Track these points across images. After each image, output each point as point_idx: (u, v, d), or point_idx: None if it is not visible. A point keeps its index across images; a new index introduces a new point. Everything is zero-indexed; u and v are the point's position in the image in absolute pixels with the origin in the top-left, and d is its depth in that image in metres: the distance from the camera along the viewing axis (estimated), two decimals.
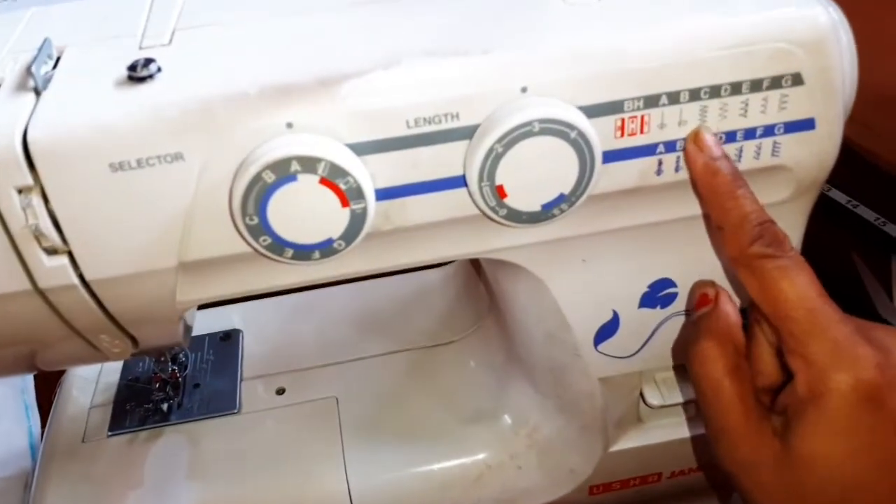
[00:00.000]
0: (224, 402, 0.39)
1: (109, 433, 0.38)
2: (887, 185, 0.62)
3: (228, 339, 0.43)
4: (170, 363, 0.40)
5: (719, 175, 0.25)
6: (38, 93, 0.23)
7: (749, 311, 0.27)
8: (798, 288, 0.24)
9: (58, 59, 0.25)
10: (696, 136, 0.25)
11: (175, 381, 0.40)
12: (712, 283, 0.29)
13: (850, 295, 0.52)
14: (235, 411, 0.39)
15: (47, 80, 0.24)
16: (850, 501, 0.24)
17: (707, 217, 0.28)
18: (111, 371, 0.42)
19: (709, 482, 0.38)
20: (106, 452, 0.38)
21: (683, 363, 0.30)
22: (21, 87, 0.24)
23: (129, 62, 0.24)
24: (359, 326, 0.43)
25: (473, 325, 0.41)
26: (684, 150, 0.26)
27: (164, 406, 0.39)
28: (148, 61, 0.24)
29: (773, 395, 0.26)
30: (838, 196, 0.59)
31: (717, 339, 0.27)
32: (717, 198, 0.25)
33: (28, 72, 0.23)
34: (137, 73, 0.23)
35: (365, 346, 0.42)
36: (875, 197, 0.59)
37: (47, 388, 0.50)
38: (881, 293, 0.51)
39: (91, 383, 0.41)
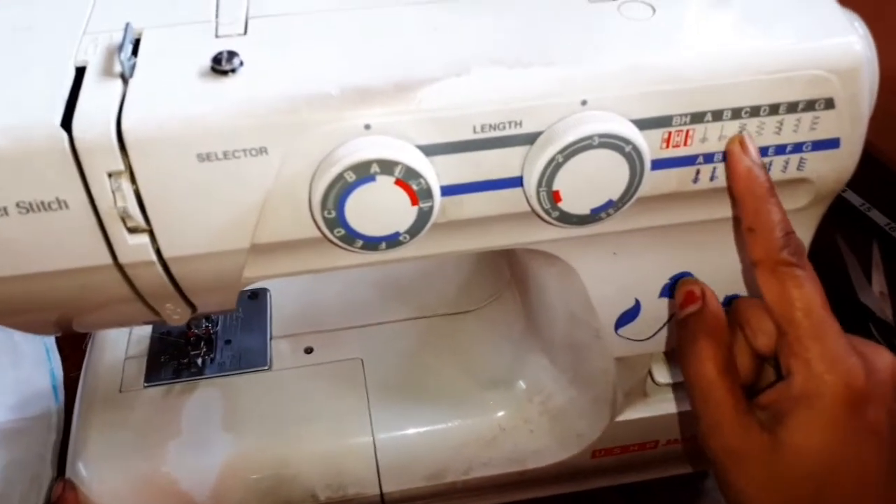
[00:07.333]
0: (255, 359, 0.42)
1: (146, 384, 0.40)
2: (875, 171, 0.65)
3: (256, 298, 0.45)
4: (203, 320, 0.42)
5: (758, 181, 0.27)
6: (125, 80, 0.24)
7: (729, 312, 0.29)
8: (809, 298, 0.26)
9: (136, 42, 0.26)
10: (741, 141, 0.27)
11: (208, 337, 0.42)
12: (696, 282, 0.31)
13: (832, 278, 0.56)
14: (266, 368, 0.41)
15: (132, 67, 0.25)
16: (822, 489, 0.26)
17: (736, 218, 0.30)
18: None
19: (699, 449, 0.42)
20: (143, 402, 0.40)
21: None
22: (107, 72, 0.25)
23: (209, 52, 0.25)
24: (380, 292, 0.45)
25: (491, 296, 0.44)
26: (728, 151, 0.27)
27: (199, 360, 0.41)
28: (231, 55, 0.25)
29: (746, 392, 0.28)
30: None
31: (710, 338, 0.28)
32: (753, 201, 0.27)
33: (115, 58, 0.24)
34: (222, 67, 0.24)
35: (387, 311, 0.44)
36: (862, 183, 0.63)
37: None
38: (862, 278, 0.55)
39: (124, 335, 0.43)
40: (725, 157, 0.28)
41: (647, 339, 0.35)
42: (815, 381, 0.26)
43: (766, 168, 0.28)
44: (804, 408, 0.26)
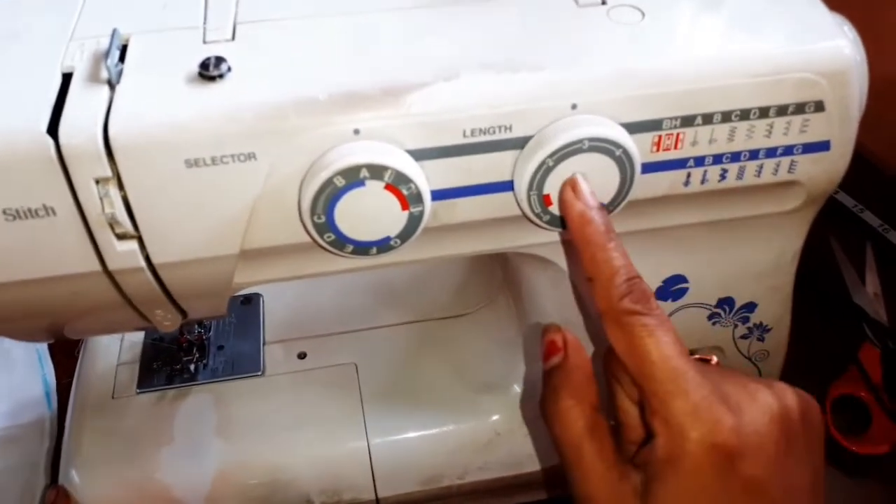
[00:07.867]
0: (248, 364, 0.41)
1: (138, 390, 0.40)
2: (867, 173, 0.65)
3: (249, 303, 0.45)
4: (196, 325, 0.42)
5: (592, 225, 0.25)
6: (111, 86, 0.24)
7: (606, 363, 0.27)
8: (661, 348, 0.24)
9: (123, 48, 0.26)
10: (573, 184, 0.25)
11: (201, 343, 0.42)
12: (558, 329, 0.28)
13: (826, 279, 0.56)
14: (260, 373, 0.41)
15: (119, 73, 0.25)
16: None
17: (577, 266, 0.27)
18: None
19: None
20: (136, 409, 0.40)
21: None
22: (94, 78, 0.25)
23: (196, 57, 0.25)
24: (374, 296, 0.45)
25: (485, 300, 0.44)
26: (560, 197, 0.26)
27: (192, 366, 0.41)
28: (219, 60, 0.25)
29: (640, 448, 0.25)
30: None
31: (573, 396, 0.26)
32: (588, 248, 0.25)
33: (102, 64, 0.24)
34: (209, 73, 0.24)
35: (380, 315, 0.44)
36: (854, 184, 0.63)
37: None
38: (856, 279, 0.55)
39: (116, 341, 0.43)
40: (559, 203, 0.26)
41: None
42: (677, 440, 0.23)
43: (604, 210, 0.26)
44: (670, 472, 0.24)
